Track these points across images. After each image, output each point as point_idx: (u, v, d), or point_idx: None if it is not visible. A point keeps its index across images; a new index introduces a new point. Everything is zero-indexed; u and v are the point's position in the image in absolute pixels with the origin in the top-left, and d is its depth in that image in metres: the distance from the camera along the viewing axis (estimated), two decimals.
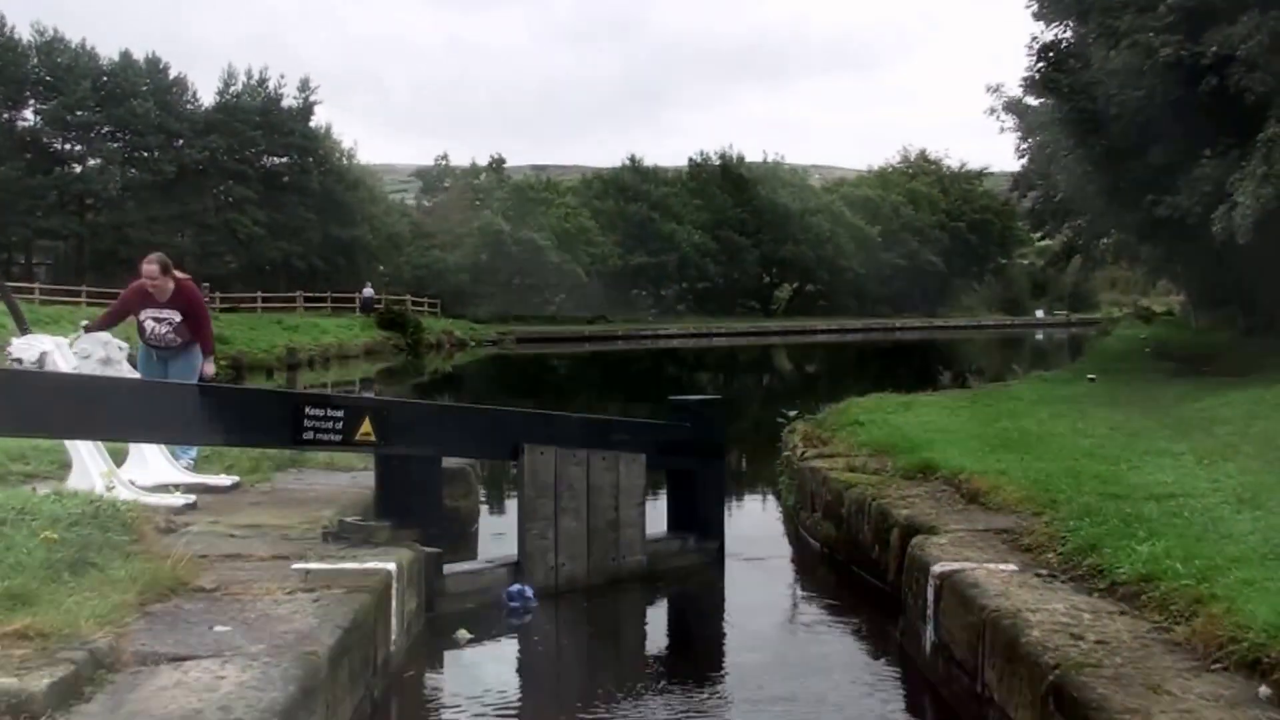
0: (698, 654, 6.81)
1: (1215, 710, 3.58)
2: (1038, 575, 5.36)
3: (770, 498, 12.01)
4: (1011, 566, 5.51)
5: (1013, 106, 28.93)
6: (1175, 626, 4.40)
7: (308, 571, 5.36)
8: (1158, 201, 19.79)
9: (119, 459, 7.66)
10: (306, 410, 6.41)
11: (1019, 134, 30.56)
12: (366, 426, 6.56)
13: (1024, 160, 32.12)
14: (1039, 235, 37.47)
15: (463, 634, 6.52)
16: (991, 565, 5.53)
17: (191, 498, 7.37)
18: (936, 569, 5.59)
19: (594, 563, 7.68)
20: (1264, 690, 3.71)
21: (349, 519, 6.55)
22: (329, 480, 8.59)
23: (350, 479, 8.55)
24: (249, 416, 6.66)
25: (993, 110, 29.02)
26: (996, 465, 8.14)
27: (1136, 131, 20.00)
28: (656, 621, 7.79)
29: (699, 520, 8.60)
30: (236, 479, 8.21)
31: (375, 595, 5.27)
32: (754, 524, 11.16)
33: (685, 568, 8.35)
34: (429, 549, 6.55)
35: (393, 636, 5.63)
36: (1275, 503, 6.38)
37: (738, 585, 8.27)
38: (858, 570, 7.96)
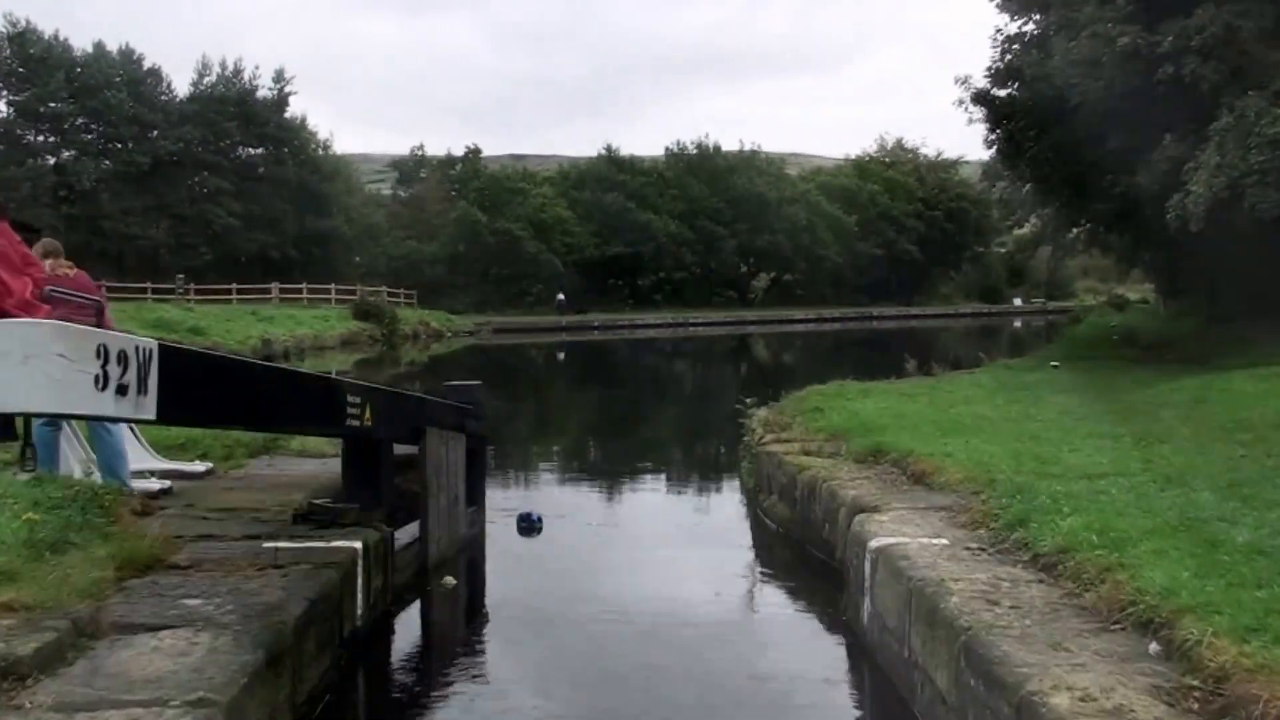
0: (650, 627, 7.10)
1: (1105, 664, 3.92)
2: (967, 549, 5.69)
3: (731, 481, 12.36)
4: (943, 541, 5.85)
5: (980, 98, 29.31)
6: (1085, 593, 4.75)
7: (277, 550, 5.65)
8: (1116, 182, 20.26)
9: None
10: (348, 398, 6.61)
11: (986, 125, 30.99)
12: (367, 412, 6.81)
13: (992, 150, 32.61)
14: (1010, 224, 37.82)
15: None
16: (925, 540, 5.87)
17: (167, 483, 7.65)
18: (873, 544, 5.93)
19: (452, 535, 8.35)
20: (1154, 646, 4.05)
21: (318, 501, 6.84)
22: (300, 466, 8.87)
23: (320, 464, 8.84)
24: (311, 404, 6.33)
25: (961, 102, 29.36)
26: (944, 448, 8.49)
27: (1098, 119, 20.45)
28: (606, 597, 7.97)
29: (476, 493, 9.30)
30: (210, 465, 8.49)
31: (342, 572, 5.57)
32: (717, 507, 11.56)
33: (478, 536, 9.20)
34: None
35: (359, 611, 5.93)
36: (1198, 481, 6.75)
37: (699, 565, 8.59)
38: (810, 549, 8.30)
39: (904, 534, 6.04)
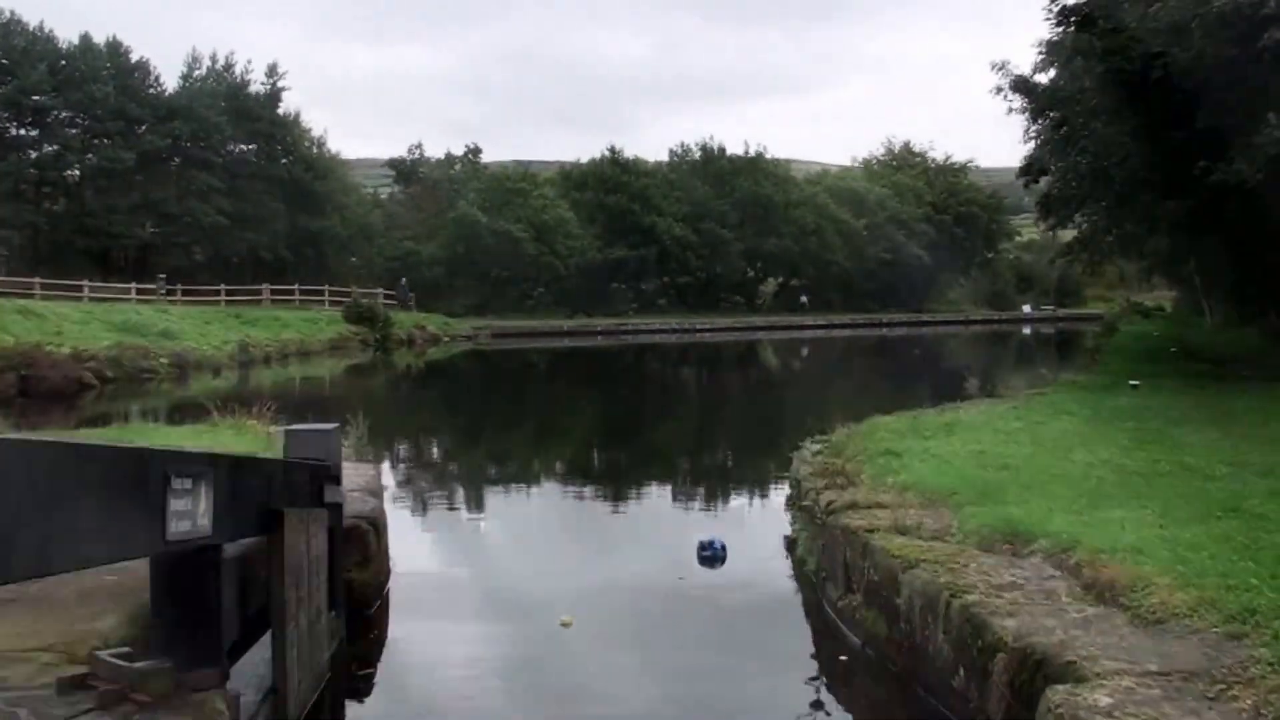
0: None
1: None
2: None
3: (769, 543, 9.45)
4: None
5: (1020, 85, 26.50)
6: None
7: None
8: (1210, 169, 17.33)
9: None
10: (171, 484, 3.49)
11: (1027, 114, 28.21)
12: (203, 503, 3.77)
13: (1033, 143, 29.86)
14: (1046, 225, 34.93)
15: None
16: None
17: None
18: None
19: (315, 668, 5.39)
20: None
21: (106, 655, 3.94)
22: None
23: None
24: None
25: (999, 89, 26.51)
26: (1117, 532, 5.61)
27: (1183, 96, 17.64)
28: None
29: (338, 593, 6.21)
30: None
31: None
32: (752, 587, 8.37)
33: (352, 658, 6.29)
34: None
35: None
36: None
37: (724, 682, 5.72)
38: (926, 695, 5.35)
39: None
